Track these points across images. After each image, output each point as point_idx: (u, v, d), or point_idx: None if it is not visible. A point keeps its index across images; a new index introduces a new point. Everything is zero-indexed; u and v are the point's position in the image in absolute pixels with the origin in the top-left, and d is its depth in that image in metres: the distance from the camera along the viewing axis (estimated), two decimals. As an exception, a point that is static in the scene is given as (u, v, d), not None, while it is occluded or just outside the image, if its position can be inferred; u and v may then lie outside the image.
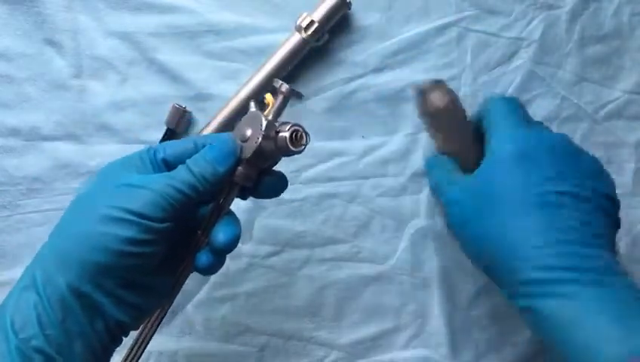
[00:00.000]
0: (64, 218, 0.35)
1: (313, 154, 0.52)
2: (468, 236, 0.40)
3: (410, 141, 0.52)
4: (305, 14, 0.49)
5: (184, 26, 0.51)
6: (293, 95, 0.36)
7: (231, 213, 0.38)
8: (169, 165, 0.37)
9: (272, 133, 0.35)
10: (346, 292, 0.52)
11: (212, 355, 0.52)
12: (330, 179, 0.52)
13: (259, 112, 0.36)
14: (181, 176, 0.34)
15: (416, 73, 0.52)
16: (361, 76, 0.52)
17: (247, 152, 0.36)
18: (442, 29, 0.52)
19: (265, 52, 0.51)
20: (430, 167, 0.46)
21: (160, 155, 0.36)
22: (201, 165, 0.35)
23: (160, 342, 0.51)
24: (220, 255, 0.37)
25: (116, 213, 0.32)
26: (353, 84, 0.52)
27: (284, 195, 0.52)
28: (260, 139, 0.35)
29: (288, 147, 0.35)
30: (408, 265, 0.52)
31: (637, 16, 0.52)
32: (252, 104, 0.38)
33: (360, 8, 0.52)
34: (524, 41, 0.52)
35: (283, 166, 0.52)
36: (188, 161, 0.35)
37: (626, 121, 0.53)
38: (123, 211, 0.32)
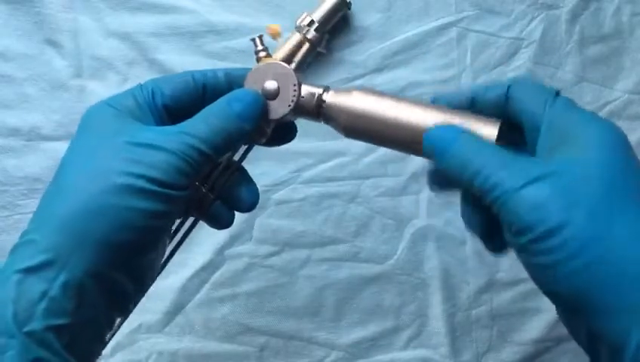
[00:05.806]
0: (66, 180, 0.30)
1: (313, 154, 0.52)
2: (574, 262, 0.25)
3: (410, 141, 0.52)
4: (305, 14, 0.49)
5: (184, 26, 0.51)
6: (321, 45, 0.34)
7: (244, 171, 0.35)
8: (170, 111, 0.33)
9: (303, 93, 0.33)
10: (345, 293, 0.52)
11: (212, 355, 0.52)
12: (330, 179, 0.52)
13: (288, 67, 0.33)
14: (202, 132, 0.30)
15: (417, 73, 0.52)
16: (361, 76, 0.52)
17: (276, 112, 0.32)
18: (442, 29, 0.52)
19: (265, 52, 0.51)
20: (446, 143, 0.29)
21: (159, 100, 0.32)
22: (224, 119, 0.30)
23: (160, 342, 0.52)
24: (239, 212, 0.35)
25: (138, 183, 0.28)
26: (353, 84, 0.52)
27: (284, 195, 0.52)
28: (295, 101, 0.33)
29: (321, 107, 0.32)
30: (408, 265, 0.52)
31: (637, 16, 0.52)
32: (257, 41, 0.34)
33: (360, 8, 0.52)
34: (524, 41, 0.52)
35: (283, 166, 0.52)
36: (207, 112, 0.31)
37: (626, 121, 0.53)
38: (144, 180, 0.28)
